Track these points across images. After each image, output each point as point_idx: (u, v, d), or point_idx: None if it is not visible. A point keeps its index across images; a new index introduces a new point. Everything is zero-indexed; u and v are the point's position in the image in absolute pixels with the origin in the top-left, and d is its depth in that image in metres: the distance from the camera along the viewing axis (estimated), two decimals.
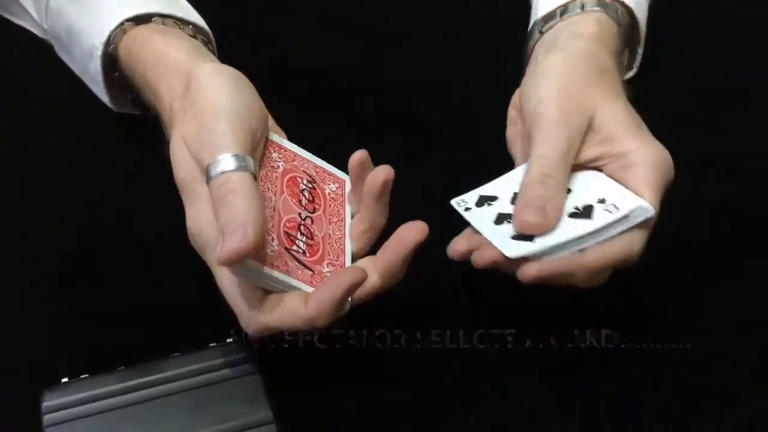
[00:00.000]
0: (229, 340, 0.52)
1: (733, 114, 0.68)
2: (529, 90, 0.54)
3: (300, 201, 0.52)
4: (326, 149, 0.56)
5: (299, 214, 0.52)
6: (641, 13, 0.62)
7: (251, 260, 0.46)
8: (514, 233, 0.50)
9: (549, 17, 0.60)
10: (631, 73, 0.64)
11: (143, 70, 0.55)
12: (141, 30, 0.56)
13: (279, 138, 0.54)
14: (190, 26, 0.58)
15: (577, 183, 0.52)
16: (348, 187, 0.55)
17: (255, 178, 0.48)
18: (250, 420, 0.49)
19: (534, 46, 0.61)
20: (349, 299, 0.49)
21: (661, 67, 0.66)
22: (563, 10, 0.60)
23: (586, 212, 0.50)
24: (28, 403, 0.49)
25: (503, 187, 0.55)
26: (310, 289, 0.49)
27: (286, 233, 0.50)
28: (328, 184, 0.55)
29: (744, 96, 0.70)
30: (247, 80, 0.53)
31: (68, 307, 0.56)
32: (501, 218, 0.52)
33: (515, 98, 0.59)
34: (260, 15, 0.75)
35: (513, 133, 0.58)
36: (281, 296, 0.48)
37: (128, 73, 0.57)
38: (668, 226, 0.51)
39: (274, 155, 0.53)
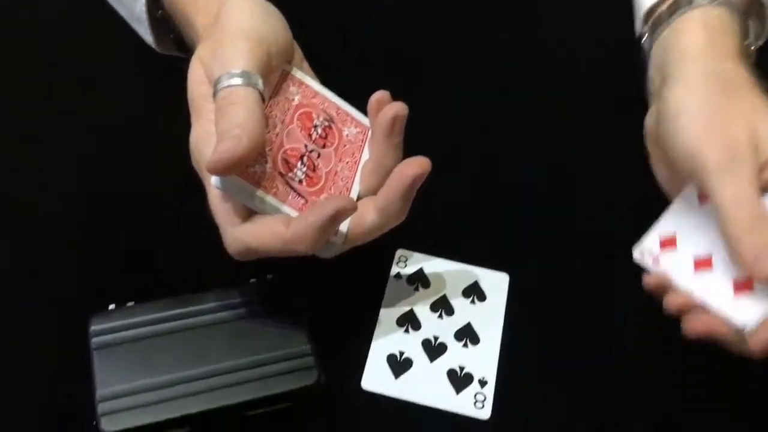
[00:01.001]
0: (269, 276, 0.54)
1: None
2: (670, 137, 0.50)
3: (310, 135, 0.52)
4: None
5: (305, 146, 0.51)
6: None
7: (238, 177, 0.46)
8: (730, 288, 0.47)
9: (656, 23, 0.56)
10: (761, 41, 0.58)
11: (183, 6, 0.56)
12: None
13: (303, 75, 0.54)
14: None
15: None
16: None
17: (262, 97, 0.48)
18: (289, 351, 0.50)
19: (648, 54, 0.57)
20: (343, 231, 0.49)
21: None
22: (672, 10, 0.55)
23: None
24: (77, 330, 0.51)
25: (676, 221, 0.51)
26: (295, 214, 0.48)
27: (285, 160, 0.50)
28: (348, 127, 0.54)
29: None
30: (279, 13, 0.53)
31: (115, 241, 0.58)
32: (699, 266, 0.48)
33: (648, 131, 0.55)
34: None
35: (656, 161, 0.55)
36: (265, 217, 0.48)
37: (170, 10, 0.58)
38: None
39: (292, 89, 0.53)
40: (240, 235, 0.48)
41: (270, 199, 0.48)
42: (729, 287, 0.47)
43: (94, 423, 0.47)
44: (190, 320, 0.51)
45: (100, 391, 0.48)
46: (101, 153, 0.62)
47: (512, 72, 0.69)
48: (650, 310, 0.55)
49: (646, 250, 0.51)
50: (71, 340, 0.51)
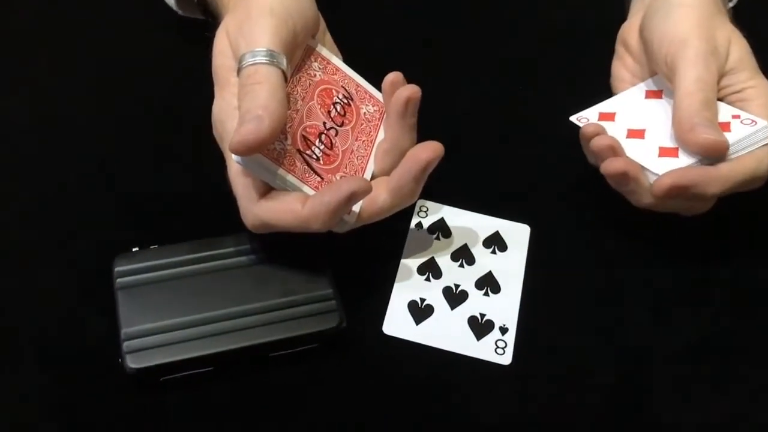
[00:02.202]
0: None
1: None
2: (661, 24, 0.55)
3: (329, 112, 0.52)
4: None
5: (324, 123, 0.52)
6: None
7: (258, 154, 0.47)
8: (656, 151, 0.53)
9: None
10: (731, 3, 0.63)
11: None
12: None
13: (327, 51, 0.55)
14: None
15: None
16: None
17: (285, 76, 0.49)
18: (311, 295, 0.50)
19: None
20: (356, 210, 0.50)
21: None
22: None
23: (724, 127, 0.52)
24: (102, 271, 0.51)
25: (620, 105, 0.57)
26: (313, 193, 0.49)
27: (303, 137, 0.50)
28: (366, 105, 0.55)
29: None
30: None
31: (140, 186, 0.58)
32: (632, 134, 0.54)
33: (624, 34, 0.60)
34: None
35: (619, 67, 0.60)
36: (281, 193, 0.49)
37: None
38: None
39: (315, 64, 0.53)
40: (257, 210, 0.49)
41: (289, 177, 0.49)
42: (655, 151, 0.53)
43: (119, 360, 0.47)
44: (213, 263, 0.51)
45: (125, 330, 0.48)
46: (128, 106, 0.62)
47: (532, 28, 0.69)
48: (668, 260, 0.56)
49: (583, 118, 0.56)
50: (97, 282, 0.51)
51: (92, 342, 0.50)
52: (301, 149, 0.50)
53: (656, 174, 0.52)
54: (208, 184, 0.57)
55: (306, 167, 0.50)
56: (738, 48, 0.54)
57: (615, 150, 0.53)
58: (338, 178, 0.51)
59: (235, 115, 0.48)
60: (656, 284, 0.55)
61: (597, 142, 0.53)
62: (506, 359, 0.51)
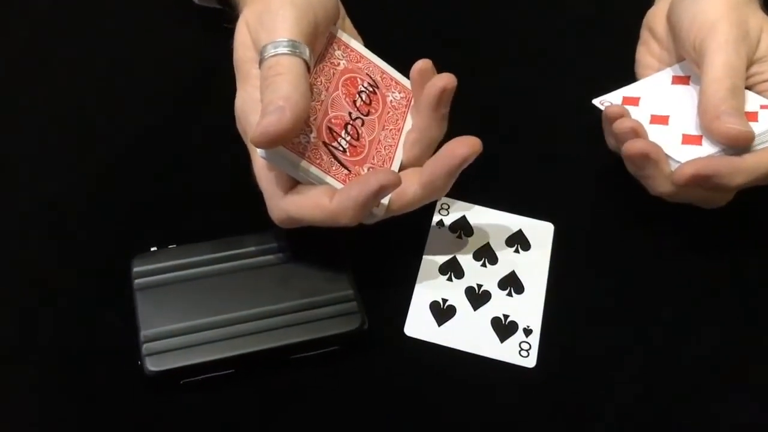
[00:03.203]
0: None
1: None
2: (691, 8, 0.53)
3: (354, 102, 0.51)
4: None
5: (350, 113, 0.51)
6: None
7: (283, 147, 0.46)
8: (679, 138, 0.52)
9: None
10: None
11: None
12: None
13: (349, 38, 0.54)
14: None
15: None
16: None
17: (307, 66, 0.48)
18: (332, 296, 0.50)
19: None
20: (384, 203, 0.49)
21: None
22: None
23: (751, 117, 0.51)
24: (120, 272, 0.51)
25: (645, 90, 0.56)
26: (340, 186, 0.48)
27: (329, 128, 0.49)
28: (392, 92, 0.54)
29: None
30: None
31: (159, 184, 0.58)
32: (655, 120, 0.53)
33: (649, 20, 0.59)
34: None
35: (644, 53, 0.59)
36: (309, 187, 0.48)
37: None
38: None
39: (338, 53, 0.52)
40: (284, 205, 0.48)
41: (314, 170, 0.48)
42: (678, 138, 0.52)
43: (139, 363, 0.47)
44: (232, 263, 0.51)
45: (144, 332, 0.48)
46: (148, 102, 0.62)
47: (553, 27, 0.68)
48: (699, 257, 0.55)
49: (606, 101, 0.55)
50: (115, 283, 0.51)
51: (111, 344, 0.49)
52: (327, 141, 0.49)
53: (678, 161, 0.51)
54: (227, 182, 0.57)
55: (332, 159, 0.48)
56: None
57: (638, 133, 0.52)
58: (365, 169, 0.50)
59: (258, 108, 0.47)
60: (686, 282, 0.54)
61: (620, 125, 0.52)
62: (531, 362, 0.50)
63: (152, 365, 0.47)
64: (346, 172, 0.49)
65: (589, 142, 0.57)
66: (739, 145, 0.50)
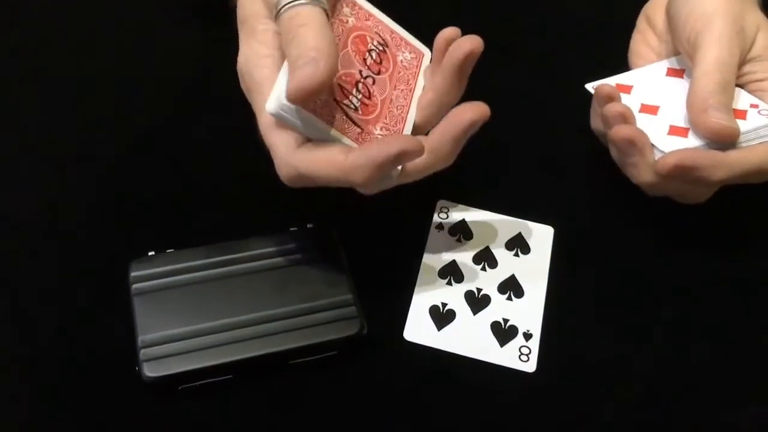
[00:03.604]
0: (309, 226, 0.53)
1: None
2: (689, 0, 0.53)
3: (365, 59, 0.50)
4: None
5: (360, 71, 0.49)
6: None
7: (294, 104, 0.45)
8: (666, 128, 0.52)
9: None
10: None
11: None
12: None
13: None
14: None
15: None
16: (426, 61, 0.53)
17: (327, 15, 0.46)
18: (331, 301, 0.49)
19: None
20: (398, 168, 0.47)
21: None
22: None
23: (740, 115, 0.51)
24: (117, 276, 0.50)
25: (638, 79, 0.56)
26: (353, 145, 0.47)
27: (340, 86, 0.48)
28: (402, 52, 0.52)
29: None
30: None
31: (156, 187, 0.57)
32: (645, 109, 0.53)
33: (648, 10, 0.59)
34: None
35: (638, 42, 0.59)
36: (322, 144, 0.46)
37: None
38: None
39: (346, 10, 0.51)
40: (295, 161, 0.46)
41: (325, 126, 0.46)
42: (665, 128, 0.52)
43: (136, 368, 0.47)
44: (230, 268, 0.50)
45: (142, 337, 0.47)
46: (144, 103, 0.61)
47: (555, 21, 0.67)
48: (702, 262, 0.55)
49: (601, 83, 0.55)
50: (112, 287, 0.50)
51: (108, 349, 0.49)
52: (338, 99, 0.47)
53: (662, 151, 0.51)
54: (226, 185, 0.57)
55: (345, 117, 0.47)
56: (766, 36, 0.53)
57: (626, 118, 0.52)
58: (378, 128, 0.48)
59: (264, 64, 0.46)
60: (689, 287, 0.54)
61: (610, 108, 0.52)
62: (531, 366, 0.50)
63: (150, 371, 0.46)
64: (359, 130, 0.47)
65: (590, 145, 0.57)
66: (723, 140, 0.50)
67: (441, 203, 0.57)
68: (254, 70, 0.47)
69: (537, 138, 0.61)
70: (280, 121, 0.46)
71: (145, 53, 0.64)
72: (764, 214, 0.57)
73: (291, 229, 0.52)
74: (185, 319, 0.48)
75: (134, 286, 0.49)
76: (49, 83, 0.62)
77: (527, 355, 0.50)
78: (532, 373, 0.50)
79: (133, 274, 0.50)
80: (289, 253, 0.51)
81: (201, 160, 0.58)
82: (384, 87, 0.50)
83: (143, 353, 0.47)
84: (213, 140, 0.58)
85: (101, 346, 0.49)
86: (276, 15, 0.46)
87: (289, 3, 0.45)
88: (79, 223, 0.55)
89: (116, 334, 0.49)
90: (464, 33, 0.65)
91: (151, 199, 0.56)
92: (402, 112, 0.50)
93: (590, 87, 0.55)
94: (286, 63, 0.46)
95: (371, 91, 0.49)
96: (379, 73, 0.50)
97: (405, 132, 0.49)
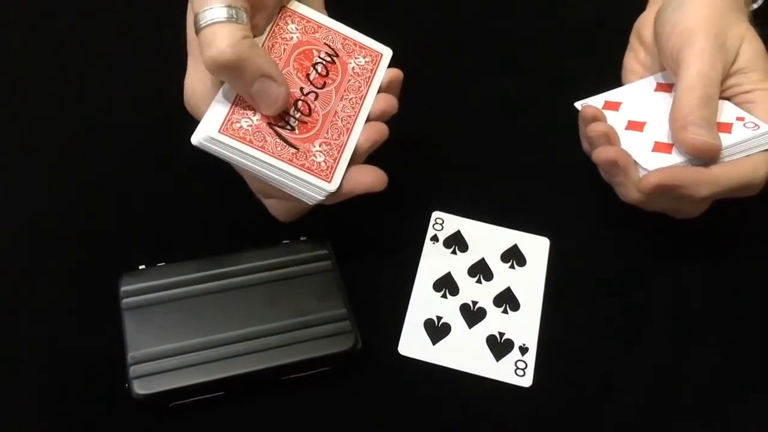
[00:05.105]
0: (302, 238, 0.52)
1: None
2: (672, 15, 0.53)
3: (308, 75, 0.50)
4: None
5: (301, 89, 0.49)
6: None
7: (220, 133, 0.45)
8: (651, 145, 0.51)
9: None
10: (755, 5, 0.61)
11: None
12: None
13: (306, 8, 0.52)
14: None
15: None
16: (386, 61, 0.52)
17: (246, 29, 0.45)
18: (325, 315, 0.49)
19: None
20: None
21: None
22: None
23: (725, 128, 0.50)
24: (108, 290, 0.49)
25: (627, 96, 0.56)
26: (285, 166, 0.47)
27: None
28: (356, 58, 0.52)
29: None
30: None
31: (145, 199, 0.56)
32: (631, 126, 0.53)
33: (639, 26, 0.59)
34: None
35: (630, 59, 0.59)
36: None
37: None
38: None
39: (291, 26, 0.50)
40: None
41: (257, 153, 0.46)
42: (650, 145, 0.52)
43: (126, 386, 0.46)
44: (223, 282, 0.50)
45: (132, 354, 0.46)
46: (133, 117, 0.60)
47: (550, 28, 0.67)
48: (698, 273, 0.54)
49: (587, 104, 0.55)
50: (102, 302, 0.50)
51: (97, 366, 0.48)
52: (273, 122, 0.47)
53: (645, 169, 0.50)
54: (218, 197, 0.56)
55: (277, 140, 0.47)
56: (751, 48, 0.52)
57: (609, 138, 0.52)
58: (318, 144, 0.48)
59: (203, 82, 0.47)
60: (685, 299, 0.53)
61: (593, 128, 0.52)
62: (527, 381, 0.49)
63: (140, 388, 0.45)
64: (293, 151, 0.47)
65: (585, 155, 0.56)
66: (704, 156, 0.50)
67: (436, 214, 0.56)
68: (200, 102, 0.47)
69: (532, 148, 0.60)
70: (210, 152, 0.46)
71: (138, 66, 0.63)
72: (760, 225, 0.57)
73: (284, 242, 0.52)
74: (176, 335, 0.47)
75: (124, 300, 0.48)
76: (34, 95, 0.61)
77: (523, 369, 0.50)
78: (529, 387, 0.49)
79: (123, 288, 0.49)
80: (282, 266, 0.50)
81: (192, 172, 0.57)
82: (329, 100, 0.50)
83: (133, 370, 0.46)
84: (204, 152, 0.58)
85: (90, 363, 0.49)
86: (196, 32, 0.45)
87: (205, 22, 0.44)
88: (69, 235, 0.54)
89: (106, 351, 0.48)
90: (462, 43, 0.66)
91: (141, 211, 0.55)
92: (348, 122, 0.50)
93: (579, 105, 0.55)
94: (219, 94, 0.47)
95: (312, 107, 0.49)
96: (323, 86, 0.50)
97: (349, 142, 0.49)
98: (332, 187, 0.47)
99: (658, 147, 0.51)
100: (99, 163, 0.57)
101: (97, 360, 0.48)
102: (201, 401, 0.46)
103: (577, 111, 0.55)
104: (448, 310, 0.52)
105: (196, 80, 0.48)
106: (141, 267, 0.50)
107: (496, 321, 0.52)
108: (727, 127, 0.51)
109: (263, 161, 0.46)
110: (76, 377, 0.48)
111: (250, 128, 0.46)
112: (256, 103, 0.46)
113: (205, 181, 0.56)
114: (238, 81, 0.45)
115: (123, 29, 0.65)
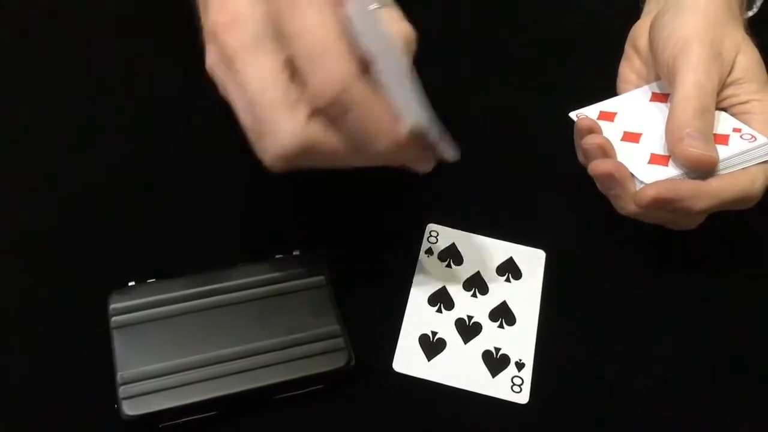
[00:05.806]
0: (295, 253, 0.51)
1: None
2: (668, 25, 0.52)
3: None
4: None
5: None
6: None
7: None
8: (647, 157, 0.51)
9: None
10: (750, 13, 0.61)
11: None
12: None
13: None
14: None
15: None
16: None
17: None
18: (317, 332, 0.48)
19: None
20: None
21: None
22: None
23: (722, 140, 0.50)
24: (97, 308, 0.48)
25: (622, 106, 0.55)
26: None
27: None
28: None
29: None
30: None
31: (135, 215, 0.55)
32: (627, 137, 0.52)
33: (634, 35, 0.58)
34: None
35: (625, 68, 0.58)
36: None
37: None
38: None
39: None
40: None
41: None
42: (646, 157, 0.51)
43: (115, 406, 0.45)
44: (214, 298, 0.49)
45: (121, 373, 0.45)
46: (124, 126, 0.59)
47: (542, 44, 0.66)
48: (696, 286, 0.53)
49: (582, 115, 0.54)
50: (91, 319, 0.49)
51: (86, 386, 0.47)
52: None
53: (642, 182, 0.50)
54: (208, 212, 0.55)
55: None
56: (747, 58, 0.52)
57: (605, 150, 0.51)
58: None
59: None
60: (684, 312, 0.53)
61: (588, 141, 0.52)
62: (523, 397, 0.49)
63: (129, 409, 0.44)
64: None
65: (581, 167, 0.55)
66: (700, 169, 0.49)
67: (430, 227, 0.55)
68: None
69: (528, 160, 0.59)
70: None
71: (130, 80, 0.62)
72: (759, 229, 0.56)
73: (277, 256, 0.51)
74: (166, 354, 0.46)
75: (114, 318, 0.48)
76: (30, 102, 0.60)
77: (519, 385, 0.49)
78: (525, 404, 0.48)
79: (112, 305, 0.48)
80: (275, 282, 0.50)
81: (182, 187, 0.56)
82: None
83: (122, 390, 0.45)
84: (194, 167, 0.57)
85: (78, 383, 0.48)
86: None
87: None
88: (57, 252, 0.53)
89: (94, 370, 0.47)
90: (459, 54, 0.65)
91: (131, 227, 0.54)
92: None
93: (574, 115, 0.54)
94: None
95: None
96: None
97: None
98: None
99: (655, 159, 0.51)
100: (87, 180, 0.56)
101: (86, 380, 0.48)
102: (192, 422, 0.45)
103: (572, 121, 0.54)
104: (443, 325, 0.51)
105: None
106: (131, 284, 0.49)
107: (491, 336, 0.51)
108: (723, 139, 0.50)
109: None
110: (64, 398, 0.47)
111: None
112: None
113: (195, 197, 0.56)
114: None
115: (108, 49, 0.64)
